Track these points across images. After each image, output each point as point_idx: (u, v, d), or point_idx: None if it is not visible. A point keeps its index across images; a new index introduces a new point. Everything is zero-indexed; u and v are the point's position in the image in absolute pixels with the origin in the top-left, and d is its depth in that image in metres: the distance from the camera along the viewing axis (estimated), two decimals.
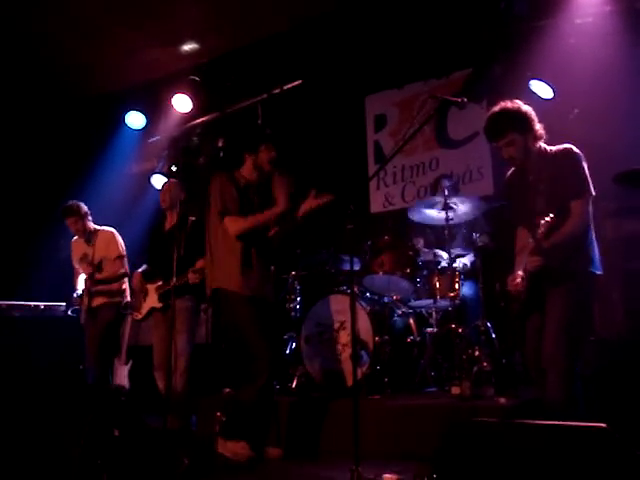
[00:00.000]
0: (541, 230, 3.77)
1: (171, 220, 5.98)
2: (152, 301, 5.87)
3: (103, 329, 6.46)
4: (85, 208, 6.68)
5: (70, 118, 9.10)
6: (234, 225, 4.90)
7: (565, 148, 4.05)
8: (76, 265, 6.77)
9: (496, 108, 4.12)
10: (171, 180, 6.20)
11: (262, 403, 4.83)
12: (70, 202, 6.68)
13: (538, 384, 4.08)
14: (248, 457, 4.74)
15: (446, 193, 5.90)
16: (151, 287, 5.90)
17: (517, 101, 4.12)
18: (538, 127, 4.09)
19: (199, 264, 5.45)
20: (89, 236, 6.65)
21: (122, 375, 7.32)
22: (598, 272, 4.01)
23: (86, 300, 6.46)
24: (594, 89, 5.97)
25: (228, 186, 5.01)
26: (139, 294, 6.02)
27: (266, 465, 4.81)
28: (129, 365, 7.35)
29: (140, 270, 6.09)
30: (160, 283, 5.81)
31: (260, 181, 5.15)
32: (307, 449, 5.24)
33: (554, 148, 4.10)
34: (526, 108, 4.09)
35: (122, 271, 6.59)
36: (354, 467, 3.88)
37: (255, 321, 4.85)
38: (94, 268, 6.50)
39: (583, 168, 3.96)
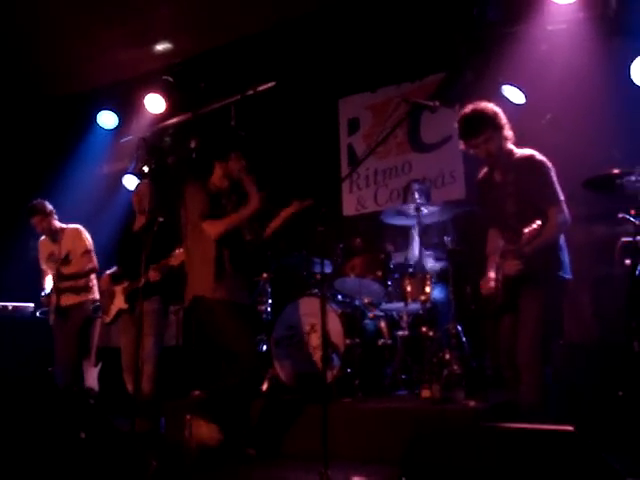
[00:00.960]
0: (526, 237, 3.76)
1: (140, 221, 5.95)
2: (119, 302, 5.82)
3: (76, 331, 6.37)
4: (50, 207, 6.60)
5: (41, 117, 9.00)
6: (213, 228, 4.90)
7: (530, 156, 4.12)
8: (43, 266, 6.69)
9: (467, 109, 4.19)
10: (144, 182, 6.16)
11: (239, 396, 4.84)
12: (35, 201, 6.60)
13: (511, 384, 4.10)
14: (218, 441, 4.73)
15: (417, 197, 5.94)
16: (118, 289, 5.86)
17: (484, 102, 4.20)
18: (506, 127, 4.16)
19: (164, 262, 5.44)
20: (55, 235, 6.58)
21: (92, 377, 7.25)
22: (568, 276, 4.06)
23: (54, 298, 6.37)
24: (566, 95, 6.01)
25: (201, 193, 5.02)
26: (106, 297, 5.97)
27: (234, 467, 4.79)
28: (98, 367, 7.29)
29: (109, 272, 6.04)
30: (126, 284, 5.77)
31: (231, 188, 5.15)
32: (276, 451, 5.23)
33: (519, 152, 4.18)
34: (495, 108, 4.18)
35: (90, 266, 6.51)
36: (323, 470, 3.88)
37: (234, 321, 4.87)
38: (60, 265, 6.42)
39: (551, 176, 4.04)
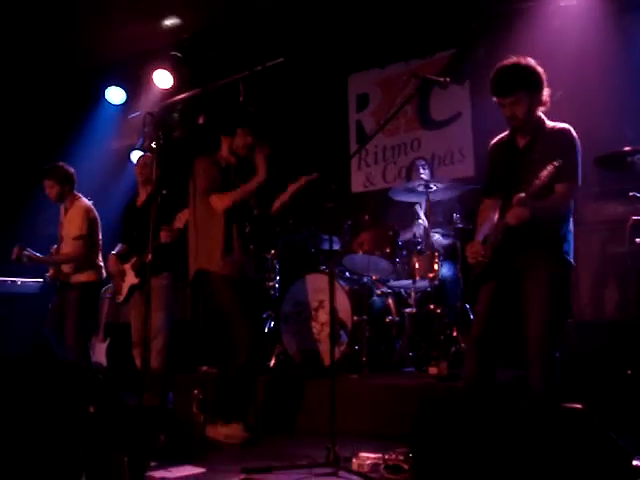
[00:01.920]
0: (541, 180, 3.57)
1: (143, 195, 5.94)
2: (130, 279, 5.83)
3: (75, 309, 6.23)
4: (68, 174, 6.28)
5: (49, 92, 8.98)
6: (221, 201, 4.91)
7: (565, 129, 3.89)
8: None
9: (508, 61, 3.87)
10: (148, 154, 6.14)
11: (243, 380, 4.82)
12: (55, 164, 6.33)
13: (470, 356, 4.00)
14: (242, 438, 4.74)
15: (421, 175, 5.94)
16: (127, 266, 5.86)
17: (528, 58, 3.87)
18: (545, 92, 3.90)
19: (176, 224, 5.42)
20: (66, 205, 6.31)
21: (100, 352, 7.29)
22: (572, 261, 3.97)
23: (52, 272, 6.29)
24: (578, 72, 5.97)
25: (211, 167, 5.03)
26: (117, 276, 5.95)
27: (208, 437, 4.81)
28: (107, 343, 7.33)
29: (114, 252, 6.02)
30: (135, 260, 5.77)
31: (239, 162, 5.14)
32: (284, 427, 5.25)
33: (552, 123, 3.94)
34: (537, 67, 3.88)
35: (78, 253, 6.14)
36: (330, 445, 3.90)
37: (236, 301, 4.87)
38: (60, 240, 6.31)
39: (578, 156, 3.83)
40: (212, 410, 4.94)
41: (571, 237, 3.95)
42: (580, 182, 3.84)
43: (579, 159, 3.84)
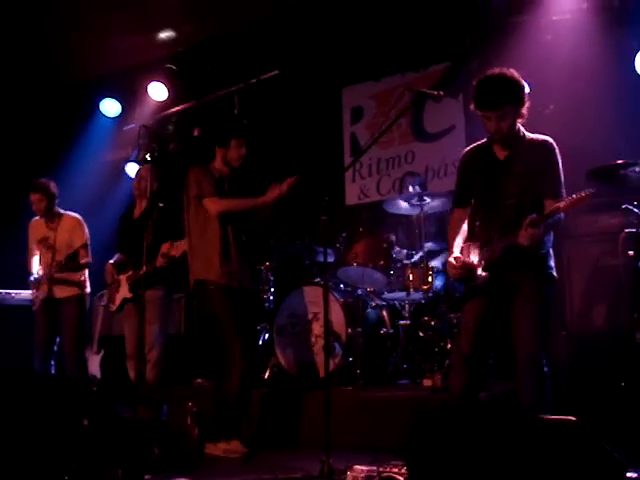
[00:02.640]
0: (565, 204, 3.52)
1: (140, 207, 5.94)
2: (124, 292, 5.82)
3: (74, 325, 6.27)
4: (54, 189, 6.37)
5: (44, 104, 8.98)
6: (215, 205, 4.94)
7: (545, 141, 3.88)
8: (32, 245, 6.46)
9: (492, 73, 3.81)
10: (145, 166, 6.14)
11: (240, 395, 4.83)
12: (41, 179, 6.40)
13: (459, 371, 4.00)
14: (244, 453, 4.75)
15: (410, 190, 5.97)
16: (122, 277, 5.86)
17: (510, 70, 3.82)
18: (526, 104, 3.85)
19: (164, 248, 5.38)
20: (51, 219, 6.37)
21: (94, 365, 7.26)
22: (556, 274, 3.98)
23: (45, 287, 6.23)
24: (570, 85, 6.00)
25: (204, 174, 5.06)
26: (112, 286, 5.96)
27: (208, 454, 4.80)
28: (101, 355, 7.31)
29: (112, 261, 6.03)
30: (130, 273, 5.77)
31: (232, 173, 5.17)
32: (278, 440, 5.25)
33: (532, 135, 3.93)
34: (520, 79, 3.81)
35: (86, 260, 6.31)
36: (325, 458, 3.89)
37: (231, 313, 4.88)
38: (54, 254, 6.26)
39: (560, 170, 3.83)
40: (211, 427, 4.90)
41: (552, 251, 3.97)
42: (565, 195, 3.81)
43: (561, 172, 3.84)
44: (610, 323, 5.25)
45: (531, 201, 3.76)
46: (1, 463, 3.27)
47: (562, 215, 3.77)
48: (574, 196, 3.51)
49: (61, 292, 6.27)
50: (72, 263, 6.24)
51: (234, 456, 4.70)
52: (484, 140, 4.06)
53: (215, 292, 4.92)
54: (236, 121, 5.58)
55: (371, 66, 7.85)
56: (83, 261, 6.29)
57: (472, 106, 3.89)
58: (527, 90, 3.85)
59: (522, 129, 3.95)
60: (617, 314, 5.14)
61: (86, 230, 6.42)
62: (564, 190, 3.82)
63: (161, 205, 5.66)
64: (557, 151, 3.87)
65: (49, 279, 6.23)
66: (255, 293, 6.35)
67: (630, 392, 4.02)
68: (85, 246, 6.32)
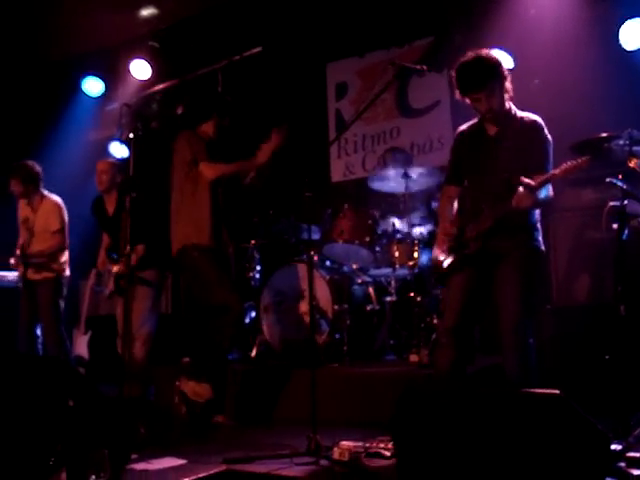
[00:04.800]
0: (557, 174, 3.61)
1: (111, 203, 5.89)
2: (110, 284, 5.78)
3: (49, 307, 6.30)
4: (35, 172, 6.39)
5: (25, 83, 8.89)
6: (212, 169, 4.97)
7: (535, 121, 3.94)
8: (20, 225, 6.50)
9: (468, 57, 3.87)
10: (106, 161, 6.12)
11: (228, 345, 4.98)
12: (23, 162, 6.41)
13: (444, 346, 4.04)
14: (207, 399, 4.83)
15: (391, 165, 5.98)
16: (113, 268, 5.79)
17: (486, 50, 3.89)
18: (509, 78, 3.91)
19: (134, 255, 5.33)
20: (32, 200, 6.40)
21: (82, 345, 7.25)
22: (543, 248, 4.02)
23: (22, 269, 6.26)
24: (554, 59, 6.00)
25: (196, 138, 5.10)
26: (106, 273, 5.93)
27: (222, 432, 4.82)
28: (88, 335, 7.29)
29: (102, 247, 6.01)
30: (114, 266, 5.71)
31: (221, 138, 5.24)
32: (265, 417, 5.26)
33: (522, 113, 3.99)
34: (498, 56, 3.90)
35: (59, 245, 6.35)
36: (312, 434, 3.90)
37: (225, 273, 5.00)
38: (31, 235, 6.29)
39: (550, 148, 3.89)
40: (191, 365, 5.04)
41: (539, 225, 4.02)
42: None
43: (551, 150, 3.90)
44: (594, 296, 5.29)
45: (522, 175, 3.77)
46: None
47: (551, 193, 3.81)
48: (569, 163, 3.58)
49: (35, 274, 6.31)
50: (42, 247, 6.29)
51: (198, 399, 4.83)
52: (475, 119, 4.10)
53: (209, 255, 4.98)
54: (220, 98, 5.53)
55: (355, 42, 7.82)
56: (57, 246, 6.33)
57: (458, 93, 3.93)
58: (506, 65, 3.90)
59: (513, 107, 4.00)
60: (601, 287, 5.17)
61: (64, 214, 6.45)
62: (552, 168, 3.85)
63: (134, 195, 5.59)
64: (546, 130, 3.92)
65: (23, 261, 6.25)
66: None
67: (614, 365, 4.04)
68: (60, 231, 6.36)
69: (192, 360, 5.05)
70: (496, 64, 3.86)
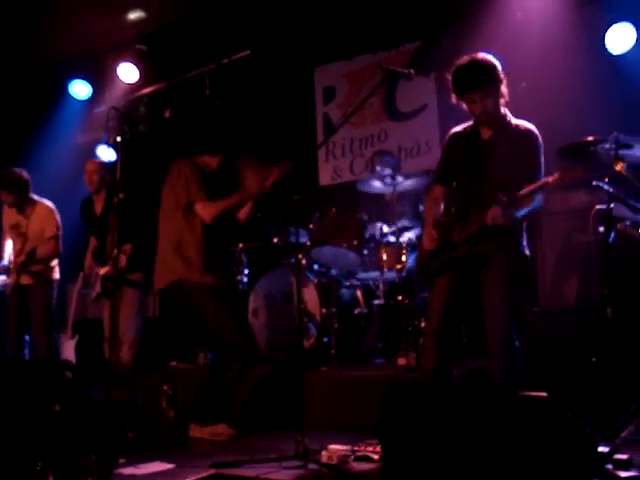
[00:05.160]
0: (526, 191, 3.64)
1: (99, 204, 5.87)
2: (97, 286, 5.74)
3: (40, 309, 6.28)
4: (24, 180, 6.33)
5: (12, 86, 8.86)
6: (208, 210, 4.86)
7: (530, 129, 3.96)
8: (5, 230, 6.45)
9: (465, 60, 3.90)
10: (95, 161, 6.11)
11: (234, 386, 4.84)
12: (9, 170, 6.34)
13: (429, 349, 4.06)
14: (231, 435, 4.76)
15: (379, 169, 5.98)
16: (100, 270, 5.75)
17: (482, 53, 3.93)
18: (504, 82, 3.93)
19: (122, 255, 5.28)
20: (23, 207, 6.35)
21: (69, 349, 7.22)
22: (528, 252, 4.04)
23: (15, 275, 6.21)
24: (541, 63, 6.02)
25: (194, 173, 4.97)
26: (92, 275, 5.90)
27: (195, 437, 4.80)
28: (75, 339, 7.26)
29: (89, 250, 5.98)
30: (101, 268, 5.67)
31: (220, 169, 5.14)
32: (254, 421, 5.24)
33: (517, 121, 4.01)
34: (494, 60, 3.92)
35: (54, 251, 6.34)
36: (300, 438, 3.90)
37: (223, 309, 4.85)
38: (24, 241, 6.25)
39: (542, 158, 3.91)
40: (199, 411, 4.88)
41: (525, 229, 4.04)
42: None
43: (542, 160, 3.91)
44: (581, 299, 5.32)
45: (512, 182, 3.80)
46: None
47: (539, 202, 3.83)
48: (561, 172, 3.61)
49: (27, 279, 6.27)
50: (39, 254, 6.25)
51: (221, 439, 4.71)
52: (470, 122, 4.10)
53: (201, 293, 4.86)
54: (208, 102, 5.50)
55: (343, 45, 7.82)
56: (52, 252, 6.32)
57: (454, 97, 3.95)
58: (500, 69, 3.91)
59: (508, 113, 4.02)
60: (588, 290, 5.20)
61: (58, 220, 6.42)
62: (543, 177, 3.86)
63: (121, 197, 5.57)
64: (540, 140, 3.95)
65: (18, 267, 6.21)
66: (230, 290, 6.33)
67: (601, 367, 4.06)
68: (55, 237, 6.34)
69: (201, 404, 4.93)
70: (492, 67, 3.89)
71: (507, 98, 3.98)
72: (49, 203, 6.49)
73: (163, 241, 5.04)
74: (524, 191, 3.68)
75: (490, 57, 3.92)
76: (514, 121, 4.01)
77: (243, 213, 5.18)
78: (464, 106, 3.97)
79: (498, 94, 3.92)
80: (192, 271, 4.88)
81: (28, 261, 6.21)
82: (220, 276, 5.01)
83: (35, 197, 6.46)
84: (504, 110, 4.00)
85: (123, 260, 5.26)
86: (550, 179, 3.64)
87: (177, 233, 4.95)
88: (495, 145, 3.96)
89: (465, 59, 3.91)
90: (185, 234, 4.92)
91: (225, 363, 4.81)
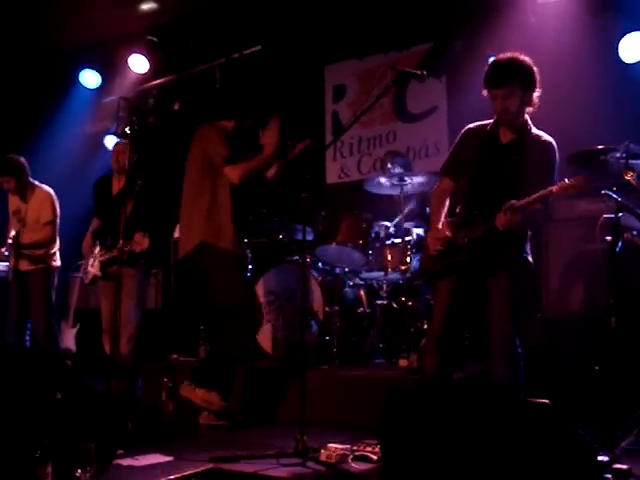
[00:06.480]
0: (534, 198, 3.61)
1: (119, 184, 5.85)
2: (95, 269, 5.73)
3: (40, 298, 6.30)
4: (21, 165, 6.37)
5: (22, 73, 8.85)
6: (237, 171, 4.89)
7: (550, 142, 3.92)
8: (10, 216, 6.50)
9: (505, 56, 3.87)
10: (124, 142, 6.07)
11: (239, 354, 4.89)
12: (6, 157, 6.37)
13: (431, 352, 4.05)
14: (222, 407, 4.79)
15: (391, 169, 5.97)
16: (96, 253, 5.74)
17: (524, 55, 3.89)
18: (537, 93, 3.90)
19: (137, 237, 5.26)
20: (24, 192, 6.38)
21: (69, 338, 7.24)
22: (532, 260, 4.02)
23: (12, 261, 6.25)
24: (553, 70, 5.95)
25: (222, 136, 5.01)
26: (87, 258, 5.90)
27: (209, 432, 4.80)
28: (76, 328, 7.28)
29: (90, 230, 5.96)
30: (103, 252, 5.66)
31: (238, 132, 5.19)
32: (254, 417, 5.25)
33: (538, 131, 3.97)
34: (535, 67, 3.89)
35: (50, 237, 6.36)
36: (299, 436, 3.90)
37: (244, 279, 5.05)
38: (22, 226, 6.26)
39: (556, 170, 3.88)
40: (197, 371, 4.93)
41: (529, 236, 4.03)
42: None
43: (556, 174, 3.87)
44: (586, 307, 5.30)
45: (522, 190, 3.76)
46: None
47: (546, 212, 3.83)
48: (567, 180, 3.57)
49: (26, 265, 6.30)
50: (34, 238, 6.28)
51: (211, 407, 4.77)
52: (491, 121, 4.05)
53: (229, 258, 4.91)
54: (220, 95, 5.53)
55: (354, 45, 7.81)
56: (48, 237, 6.34)
57: (485, 91, 3.90)
58: (536, 76, 3.87)
59: (529, 121, 3.98)
60: (593, 299, 5.18)
61: (56, 205, 6.44)
62: None
63: (140, 182, 5.59)
64: (557, 155, 3.92)
65: (15, 252, 6.23)
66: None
67: (604, 376, 4.05)
68: (51, 223, 6.37)
69: (200, 367, 4.96)
70: (525, 69, 3.85)
71: (535, 107, 3.93)
72: (48, 189, 6.51)
73: (192, 210, 5.05)
74: (532, 198, 3.65)
75: (529, 61, 3.88)
76: (535, 131, 3.98)
77: (271, 173, 5.23)
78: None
79: (525, 99, 3.87)
80: (223, 238, 4.89)
81: (23, 245, 6.23)
82: (241, 243, 5.10)
83: (36, 183, 6.49)
84: (526, 117, 3.95)
85: (146, 242, 5.23)
86: (554, 188, 3.61)
87: (208, 201, 4.97)
88: (512, 152, 3.93)
89: (506, 55, 3.89)
90: (217, 200, 4.94)
91: (235, 332, 4.84)
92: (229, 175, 4.87)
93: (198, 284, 5.28)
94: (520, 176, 3.83)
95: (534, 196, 3.64)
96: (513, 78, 3.81)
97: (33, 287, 6.30)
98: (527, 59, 3.88)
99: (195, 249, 4.96)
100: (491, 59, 3.97)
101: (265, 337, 6.14)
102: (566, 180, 3.59)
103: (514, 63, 3.84)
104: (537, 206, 3.73)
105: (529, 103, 3.91)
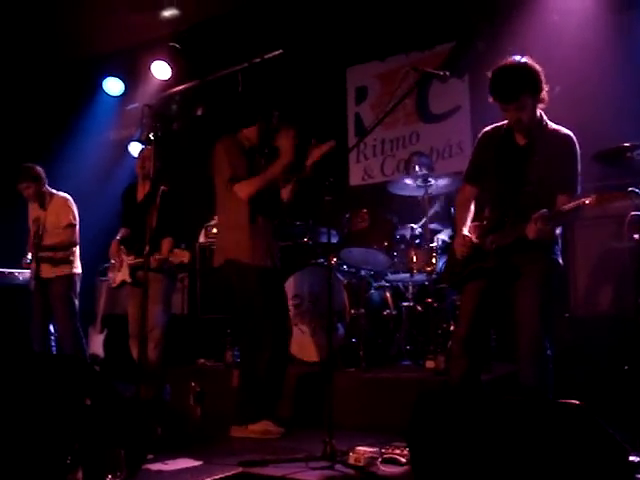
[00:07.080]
0: (567, 209, 3.54)
1: (144, 190, 5.88)
2: (124, 274, 5.75)
3: (62, 304, 6.37)
4: (40, 172, 6.49)
5: (46, 82, 8.95)
6: (244, 189, 4.85)
7: (569, 137, 3.84)
8: (30, 225, 6.60)
9: (506, 63, 3.77)
10: (149, 147, 6.10)
11: (272, 375, 4.79)
12: (26, 165, 6.49)
13: (457, 354, 4.02)
14: (278, 433, 4.74)
15: (417, 170, 5.93)
16: (125, 259, 5.77)
17: (526, 58, 3.79)
18: (545, 89, 3.80)
19: (165, 246, 5.34)
20: (42, 200, 6.50)
21: (97, 344, 7.29)
22: (561, 261, 3.98)
23: (34, 266, 6.32)
24: (576, 67, 5.95)
25: (234, 151, 4.98)
26: (115, 263, 5.93)
27: (235, 437, 4.79)
28: (104, 334, 7.32)
29: (118, 237, 5.99)
30: (132, 257, 5.68)
31: (262, 142, 5.13)
32: (282, 421, 5.25)
33: (554, 126, 3.89)
34: (537, 66, 3.78)
35: (71, 240, 6.45)
36: (327, 439, 3.90)
37: (263, 294, 4.83)
38: (43, 232, 6.36)
39: (578, 166, 3.81)
40: (240, 412, 4.85)
41: (559, 237, 3.97)
42: (579, 190, 3.81)
43: (579, 168, 3.82)
44: (614, 306, 5.24)
45: (548, 190, 3.74)
46: (4, 444, 3.28)
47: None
48: (599, 195, 3.46)
49: (47, 272, 6.38)
50: (53, 241, 6.37)
51: (270, 436, 4.69)
52: (505, 123, 4.00)
53: (246, 273, 4.85)
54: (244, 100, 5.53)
55: (376, 46, 7.80)
56: (68, 241, 6.43)
57: (490, 98, 3.83)
58: (541, 77, 3.78)
59: (544, 117, 3.91)
60: (622, 298, 5.12)
61: (74, 210, 6.54)
62: (579, 186, 3.82)
63: (164, 189, 5.60)
64: (577, 147, 3.84)
65: (36, 259, 6.31)
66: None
67: (633, 376, 4.02)
68: (71, 226, 6.46)
69: (237, 404, 4.90)
70: (532, 75, 3.75)
71: (546, 103, 3.85)
72: (65, 195, 6.61)
73: (220, 224, 5.15)
74: (564, 209, 3.59)
75: (531, 64, 3.78)
76: (550, 126, 3.90)
77: (285, 193, 5.19)
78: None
79: (535, 103, 3.81)
80: (241, 251, 4.86)
81: (44, 247, 6.32)
82: (269, 256, 4.94)
83: (53, 190, 6.60)
84: (540, 114, 3.89)
85: (186, 255, 5.24)
86: (587, 200, 3.51)
87: (229, 214, 4.99)
88: (531, 152, 3.86)
89: (508, 62, 3.79)
90: (235, 214, 4.92)
91: (252, 356, 4.80)
92: (238, 193, 4.86)
93: (227, 292, 5.26)
94: (544, 176, 3.77)
95: (566, 207, 3.57)
96: (520, 91, 3.72)
97: (55, 295, 6.38)
98: (529, 61, 3.78)
99: (222, 265, 4.98)
100: (489, 73, 3.82)
101: (291, 340, 6.14)
102: (597, 194, 3.51)
103: (518, 72, 3.74)
104: (569, 216, 3.69)
105: (541, 102, 3.83)
